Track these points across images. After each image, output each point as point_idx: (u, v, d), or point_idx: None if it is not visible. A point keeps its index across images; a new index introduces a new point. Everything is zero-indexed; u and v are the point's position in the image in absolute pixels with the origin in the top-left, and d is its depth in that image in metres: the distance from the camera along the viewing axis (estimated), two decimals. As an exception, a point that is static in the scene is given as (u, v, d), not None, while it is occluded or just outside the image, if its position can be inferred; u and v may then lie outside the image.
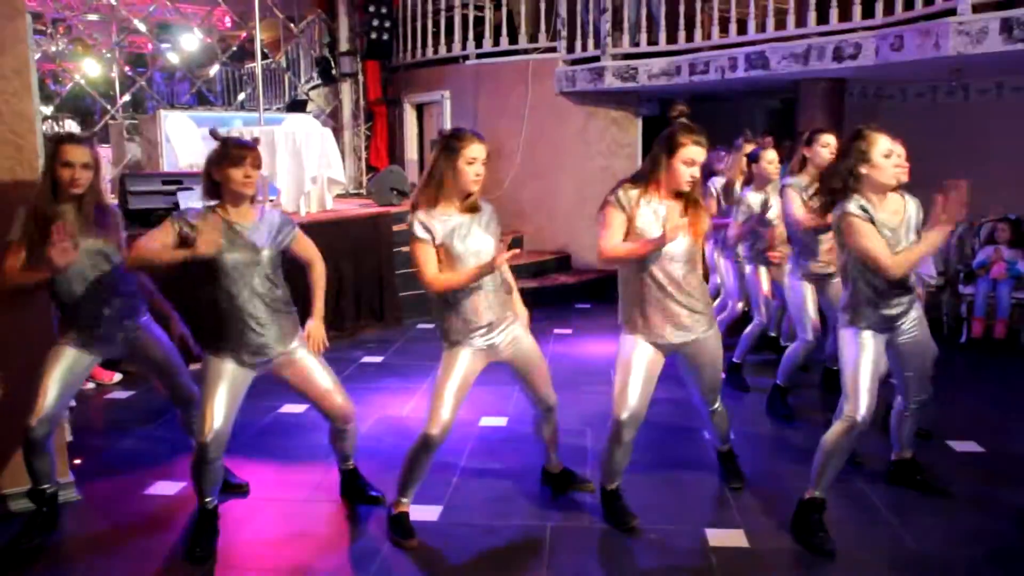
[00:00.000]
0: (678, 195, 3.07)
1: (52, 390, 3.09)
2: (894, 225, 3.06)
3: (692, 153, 2.96)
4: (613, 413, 3.13)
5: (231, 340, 3.00)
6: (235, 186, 2.94)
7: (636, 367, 3.13)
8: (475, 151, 2.99)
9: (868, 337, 3.12)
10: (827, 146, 4.39)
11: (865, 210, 3.00)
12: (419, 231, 2.98)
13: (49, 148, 3.11)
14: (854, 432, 3.05)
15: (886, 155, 3.01)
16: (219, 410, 2.96)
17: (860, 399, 3.04)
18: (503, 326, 3.14)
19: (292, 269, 3.21)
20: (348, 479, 3.51)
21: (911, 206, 3.15)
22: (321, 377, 3.21)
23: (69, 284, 3.14)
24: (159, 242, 2.88)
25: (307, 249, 3.24)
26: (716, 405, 3.46)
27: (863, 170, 3.02)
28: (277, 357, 3.11)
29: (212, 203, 3.02)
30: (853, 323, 3.15)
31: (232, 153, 2.92)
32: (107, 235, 3.19)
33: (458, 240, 3.01)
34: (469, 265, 2.99)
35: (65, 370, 3.15)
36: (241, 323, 2.99)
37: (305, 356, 3.18)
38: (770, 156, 4.91)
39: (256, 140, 3.06)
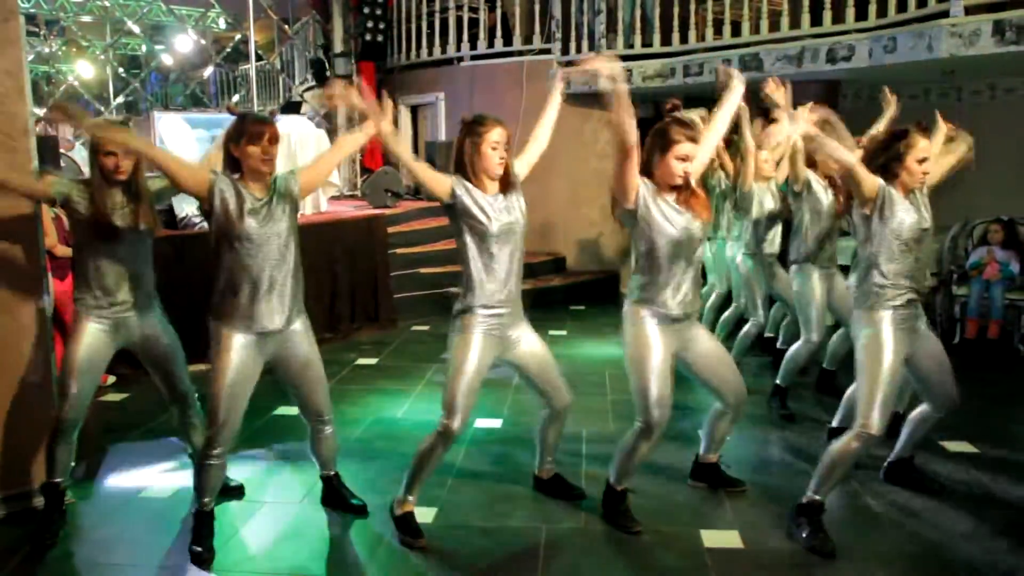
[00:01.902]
0: (671, 187, 3.07)
1: (82, 376, 3.15)
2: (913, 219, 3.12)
3: (686, 149, 2.97)
4: (640, 415, 3.08)
5: (242, 312, 2.95)
6: (253, 163, 2.92)
7: (654, 356, 3.05)
8: (496, 135, 3.07)
9: (889, 341, 3.07)
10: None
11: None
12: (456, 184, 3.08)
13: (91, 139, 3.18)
14: (866, 446, 3.04)
15: (919, 161, 3.07)
16: (231, 399, 2.95)
17: (876, 412, 3.01)
18: (515, 321, 3.19)
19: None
20: (328, 487, 3.49)
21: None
22: (316, 369, 3.20)
23: (107, 264, 3.16)
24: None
25: (313, 172, 3.17)
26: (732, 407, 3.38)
27: (895, 169, 3.09)
28: (283, 331, 3.05)
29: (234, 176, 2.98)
30: (874, 320, 3.11)
31: (250, 129, 2.90)
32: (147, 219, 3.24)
33: (490, 214, 3.09)
34: (499, 240, 3.11)
35: (90, 353, 3.17)
36: (254, 293, 2.94)
37: (306, 343, 3.15)
38: (764, 155, 4.93)
39: (273, 112, 3.03)
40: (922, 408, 3.47)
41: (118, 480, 3.79)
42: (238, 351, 2.96)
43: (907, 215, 3.08)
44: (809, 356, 4.51)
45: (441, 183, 3.06)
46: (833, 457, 3.09)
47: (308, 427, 3.33)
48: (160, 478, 3.78)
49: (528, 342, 3.23)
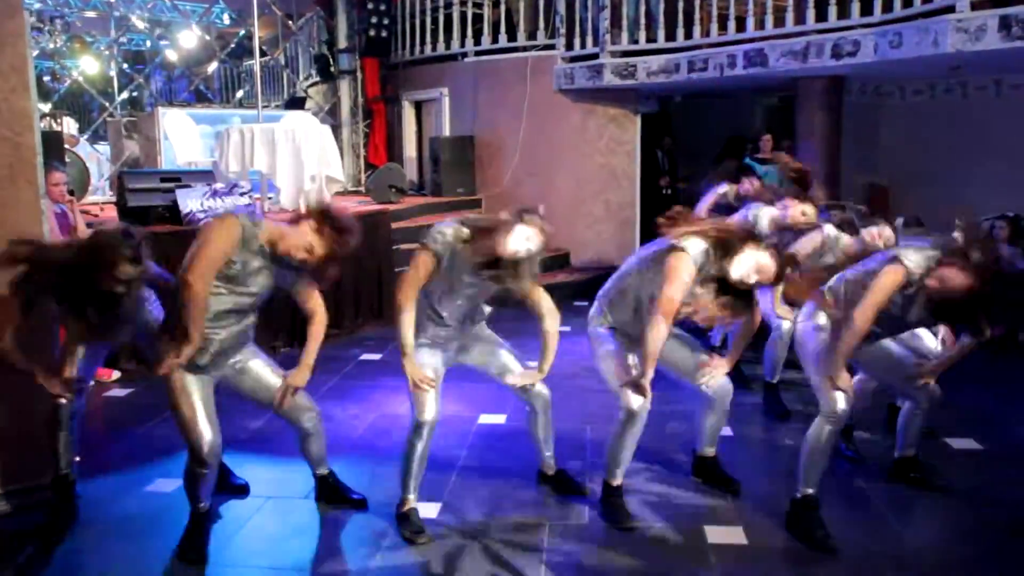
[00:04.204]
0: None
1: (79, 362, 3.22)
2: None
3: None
4: (623, 404, 3.16)
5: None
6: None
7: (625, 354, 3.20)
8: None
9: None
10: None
11: (919, 277, 2.99)
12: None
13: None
14: (836, 426, 3.09)
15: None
16: (207, 420, 2.94)
17: (836, 395, 3.07)
18: (459, 336, 3.32)
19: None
20: (324, 485, 3.48)
21: None
22: (273, 376, 3.20)
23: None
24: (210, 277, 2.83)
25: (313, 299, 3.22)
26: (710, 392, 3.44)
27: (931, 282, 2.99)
28: (234, 363, 3.12)
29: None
30: (816, 318, 3.23)
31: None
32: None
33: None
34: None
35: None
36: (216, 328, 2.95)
37: (255, 361, 3.17)
38: (806, 209, 4.55)
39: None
40: (906, 405, 3.55)
41: (123, 475, 3.79)
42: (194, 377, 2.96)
43: None
44: (783, 343, 4.50)
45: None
46: (811, 446, 3.13)
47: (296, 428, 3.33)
48: (165, 473, 3.78)
49: (480, 346, 3.38)
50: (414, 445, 3.15)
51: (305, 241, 2.85)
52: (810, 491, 3.15)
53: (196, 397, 2.92)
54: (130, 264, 2.76)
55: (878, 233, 3.96)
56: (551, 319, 3.26)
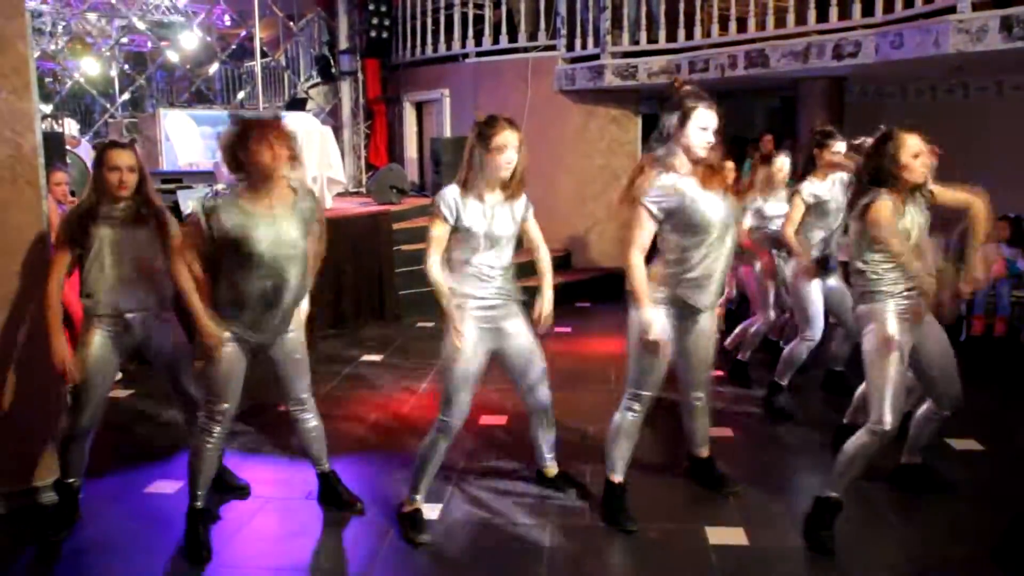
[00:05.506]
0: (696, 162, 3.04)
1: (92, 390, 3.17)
2: (920, 221, 3.11)
3: (704, 118, 2.96)
4: (632, 385, 3.14)
5: (240, 320, 3.00)
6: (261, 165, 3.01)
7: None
8: (505, 138, 3.03)
9: (895, 335, 3.04)
10: (837, 154, 4.39)
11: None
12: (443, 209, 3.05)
13: (96, 154, 3.24)
14: (880, 442, 3.02)
15: (915, 155, 3.03)
16: (231, 393, 3.02)
17: (886, 407, 2.99)
18: (509, 314, 3.19)
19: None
20: (324, 484, 3.47)
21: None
22: (303, 360, 3.25)
23: (106, 274, 3.17)
24: (192, 252, 2.98)
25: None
26: (702, 399, 3.45)
27: (893, 171, 3.03)
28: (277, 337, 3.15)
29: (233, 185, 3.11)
30: (876, 314, 3.08)
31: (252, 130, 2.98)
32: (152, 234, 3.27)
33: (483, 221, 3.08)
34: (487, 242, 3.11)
35: (100, 365, 3.20)
36: (257, 303, 2.99)
37: (295, 337, 3.22)
38: (779, 163, 4.96)
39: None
40: (927, 406, 3.43)
41: (122, 476, 3.79)
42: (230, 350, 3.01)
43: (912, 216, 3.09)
44: (806, 353, 4.50)
45: (445, 232, 3.08)
46: (848, 455, 3.08)
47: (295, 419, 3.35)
48: (164, 474, 3.79)
49: (517, 338, 3.23)
50: (436, 445, 3.14)
51: (260, 161, 3.03)
52: (834, 495, 3.11)
53: (225, 366, 3.00)
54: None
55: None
56: (545, 250, 3.50)
